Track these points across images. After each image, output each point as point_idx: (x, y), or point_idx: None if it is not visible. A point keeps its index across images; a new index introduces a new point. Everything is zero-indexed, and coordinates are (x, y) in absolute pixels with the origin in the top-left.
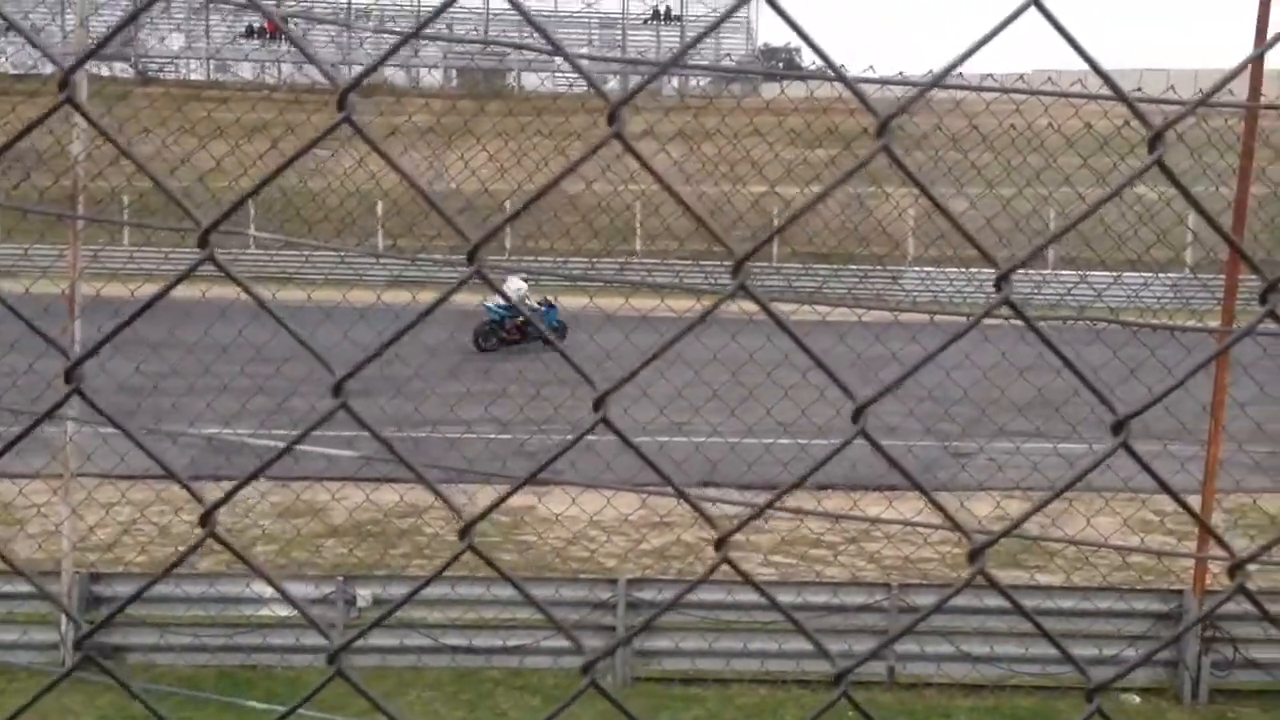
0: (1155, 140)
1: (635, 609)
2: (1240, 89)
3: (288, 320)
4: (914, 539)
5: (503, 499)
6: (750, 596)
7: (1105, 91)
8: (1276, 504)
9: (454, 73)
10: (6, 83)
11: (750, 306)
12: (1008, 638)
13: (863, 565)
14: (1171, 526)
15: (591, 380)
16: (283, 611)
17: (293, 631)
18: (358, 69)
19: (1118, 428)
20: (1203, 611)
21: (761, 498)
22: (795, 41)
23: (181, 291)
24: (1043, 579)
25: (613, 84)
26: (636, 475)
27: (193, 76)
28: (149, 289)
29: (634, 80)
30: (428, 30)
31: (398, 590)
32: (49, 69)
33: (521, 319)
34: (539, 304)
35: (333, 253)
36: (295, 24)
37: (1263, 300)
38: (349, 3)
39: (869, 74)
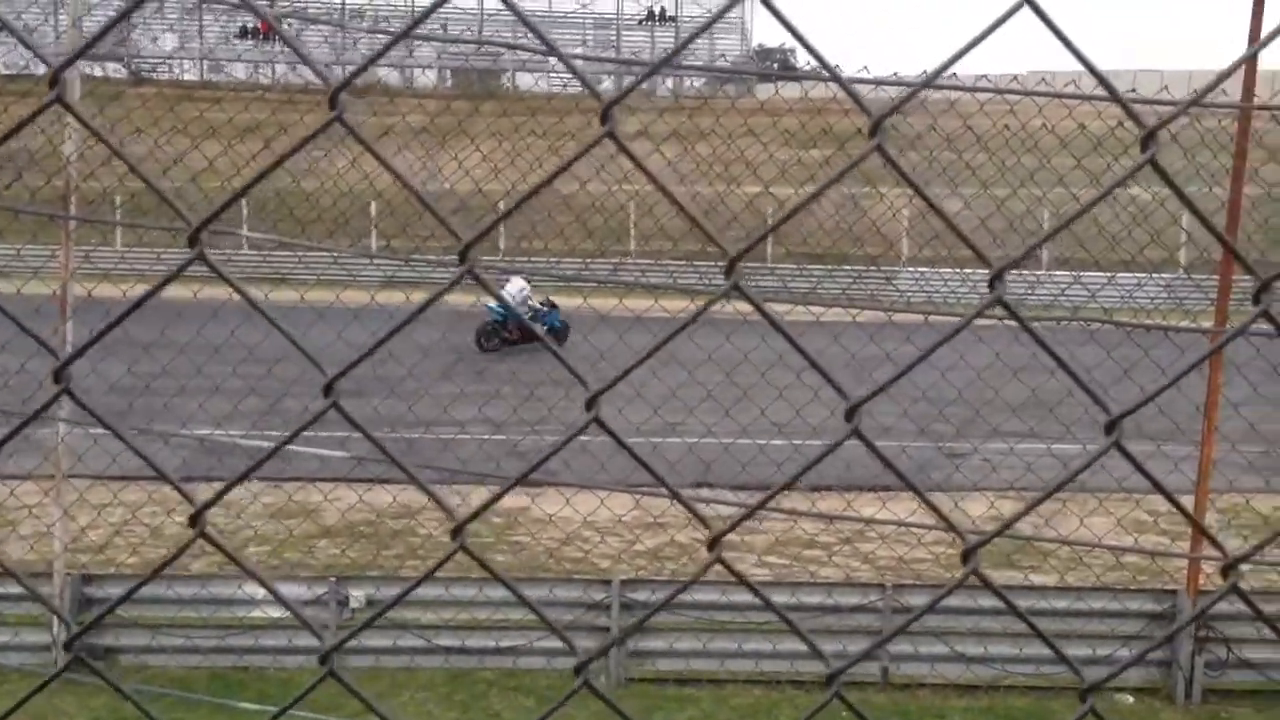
0: (1148, 139)
1: (630, 610)
2: (1234, 90)
3: (280, 321)
4: (908, 539)
5: (495, 499)
6: (744, 597)
7: (1099, 92)
8: (1270, 504)
9: (448, 73)
10: None
11: (744, 307)
12: (1002, 638)
13: (857, 566)
14: (1165, 527)
15: (584, 380)
16: (275, 613)
17: (285, 633)
18: (351, 69)
19: (1110, 427)
20: (1196, 611)
21: (755, 498)
22: (790, 42)
23: (173, 292)
24: (1037, 579)
25: (607, 84)
26: (630, 476)
27: (186, 77)
28: (141, 290)
29: (628, 81)
30: (422, 30)
31: (391, 591)
32: (42, 69)
33: (526, 318)
34: (541, 304)
35: (326, 253)
36: (289, 24)
37: (1256, 300)
38: (343, 3)
39: (863, 75)
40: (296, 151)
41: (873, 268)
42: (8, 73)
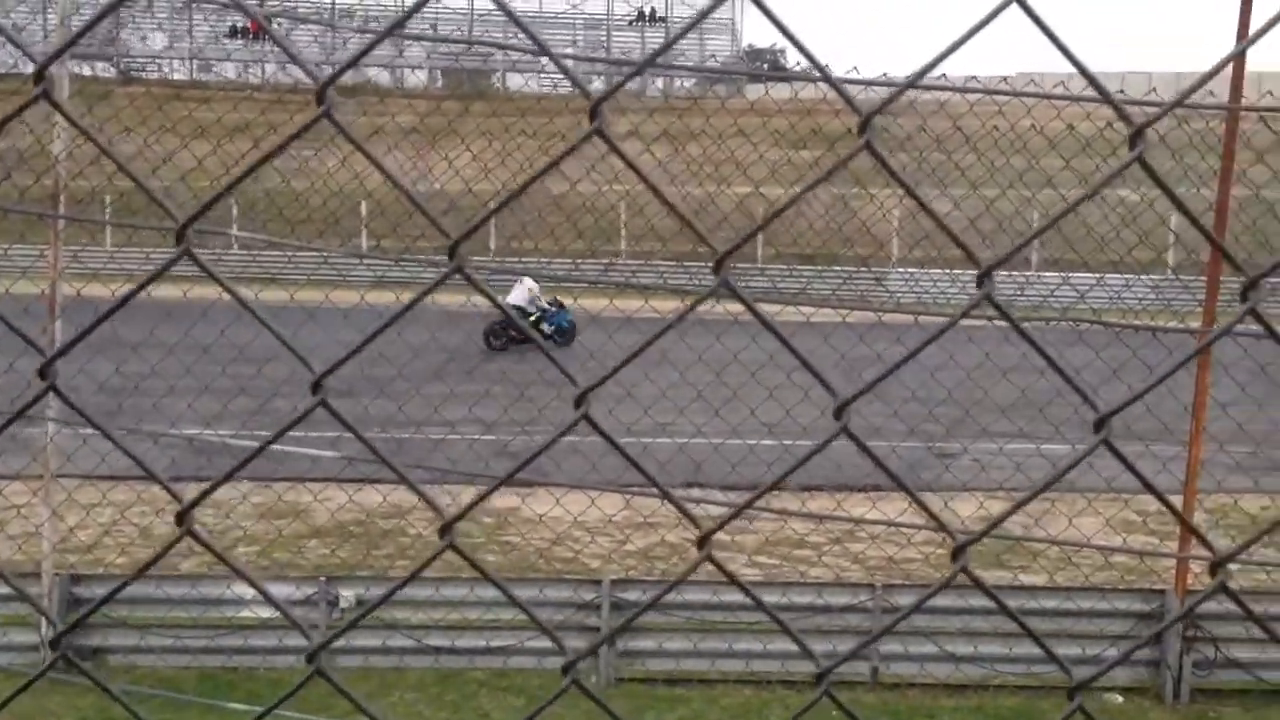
0: (1136, 137)
1: (620, 610)
2: (1222, 91)
3: (270, 320)
4: (898, 539)
5: (483, 497)
6: (735, 597)
7: (1088, 94)
8: (1257, 504)
9: (438, 73)
10: None
11: (735, 307)
12: (991, 638)
13: (847, 566)
14: (1154, 527)
15: (573, 378)
16: (264, 613)
17: (275, 633)
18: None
19: (1098, 425)
20: (1184, 609)
21: (745, 499)
22: (780, 43)
23: (163, 291)
24: (1026, 579)
25: (597, 84)
26: (621, 476)
27: (175, 76)
28: (130, 289)
29: (618, 80)
30: (411, 30)
31: (381, 591)
32: (30, 68)
33: (534, 317)
34: (549, 304)
35: (316, 253)
36: (278, 24)
37: (1243, 298)
38: (332, 3)
39: (853, 75)
40: (284, 148)
41: (863, 268)
42: None
